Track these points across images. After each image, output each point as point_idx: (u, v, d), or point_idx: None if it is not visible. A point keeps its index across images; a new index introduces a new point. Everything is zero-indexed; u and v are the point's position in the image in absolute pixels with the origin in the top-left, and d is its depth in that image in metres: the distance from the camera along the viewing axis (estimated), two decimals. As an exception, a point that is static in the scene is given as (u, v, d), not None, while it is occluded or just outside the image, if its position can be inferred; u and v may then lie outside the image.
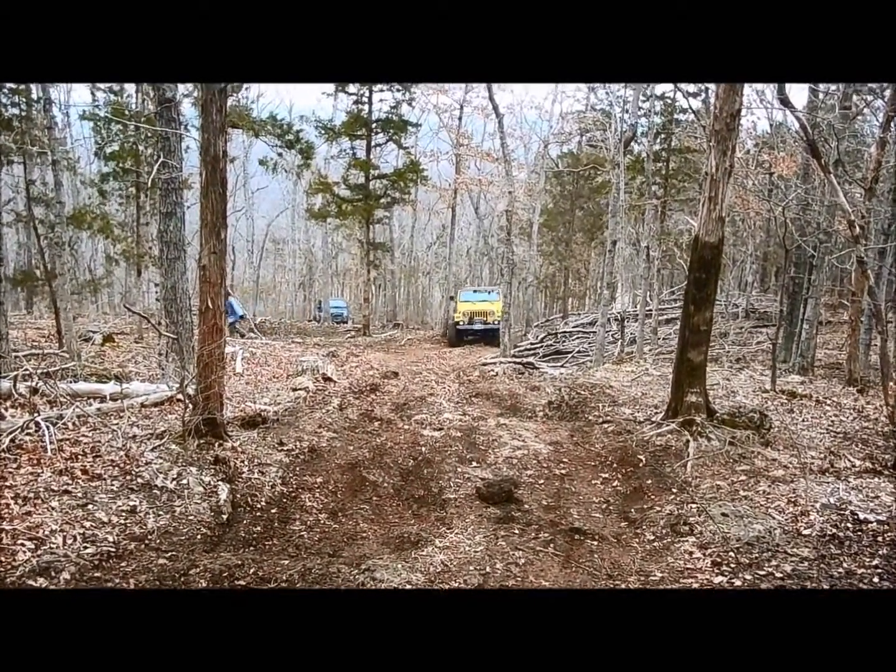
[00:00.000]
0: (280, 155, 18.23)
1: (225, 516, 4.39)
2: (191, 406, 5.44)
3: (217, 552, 3.77)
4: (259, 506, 4.70)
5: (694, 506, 4.45)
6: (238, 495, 4.74)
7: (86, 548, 3.47)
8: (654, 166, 16.57)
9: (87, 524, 3.71)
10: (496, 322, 18.02)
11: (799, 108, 9.20)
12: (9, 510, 3.69)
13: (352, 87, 21.66)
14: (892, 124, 9.99)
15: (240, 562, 3.49)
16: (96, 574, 3.27)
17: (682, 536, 4.05)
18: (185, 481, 4.55)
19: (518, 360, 13.25)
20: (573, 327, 18.73)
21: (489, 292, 21.21)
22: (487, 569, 3.51)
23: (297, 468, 5.50)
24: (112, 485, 4.28)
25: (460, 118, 26.14)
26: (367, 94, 21.42)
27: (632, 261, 21.81)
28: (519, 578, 3.42)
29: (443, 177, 27.95)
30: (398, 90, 21.83)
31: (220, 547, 3.94)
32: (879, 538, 3.68)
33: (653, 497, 4.94)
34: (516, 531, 4.19)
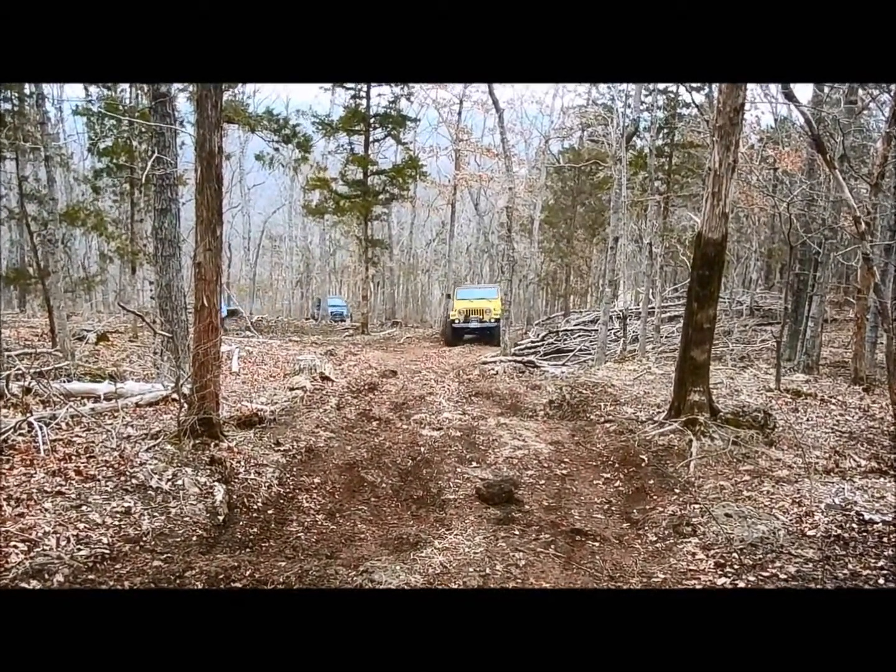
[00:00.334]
0: (276, 150, 18.16)
1: (221, 517, 4.32)
2: (186, 406, 5.38)
3: (213, 554, 3.72)
4: (255, 507, 4.64)
5: (697, 506, 4.40)
6: (234, 496, 4.67)
7: (79, 549, 3.41)
8: (657, 162, 16.50)
9: (81, 526, 3.65)
10: (493, 320, 17.91)
11: (804, 102, 9.15)
12: (1, 512, 3.63)
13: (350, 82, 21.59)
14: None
15: (236, 563, 3.43)
16: (90, 576, 3.21)
17: (685, 537, 3.99)
18: (180, 482, 4.49)
19: (519, 358, 13.19)
20: (574, 325, 18.67)
21: (487, 290, 20.99)
22: (487, 570, 3.45)
23: (295, 468, 5.44)
24: (106, 486, 4.21)
25: (460, 113, 26.11)
26: (365, 89, 21.34)
27: (634, 258, 21.76)
28: (519, 580, 3.36)
29: (442, 173, 27.94)
30: (396, 85, 21.74)
31: (216, 549, 3.88)
32: (885, 539, 3.62)
33: (655, 497, 4.89)
34: (517, 532, 4.13)
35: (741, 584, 3.28)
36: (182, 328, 7.79)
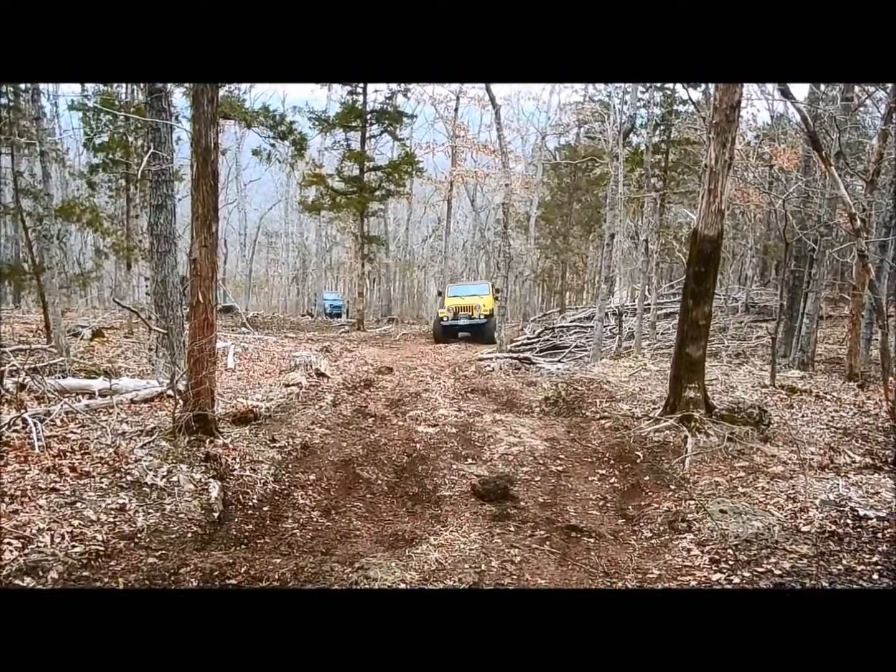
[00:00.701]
0: (273, 146, 18.10)
1: (216, 514, 4.32)
2: (181, 402, 5.36)
3: (208, 551, 3.72)
4: (251, 503, 4.64)
5: (692, 502, 4.41)
6: (229, 493, 4.67)
7: (74, 546, 3.41)
8: (653, 158, 16.47)
9: (76, 522, 3.64)
10: (482, 316, 17.81)
11: (800, 99, 9.15)
12: (-6, 509, 3.61)
13: (346, 79, 21.48)
14: (894, 116, 9.92)
15: (231, 560, 3.42)
16: (85, 573, 3.21)
17: (680, 533, 4.00)
18: (175, 479, 4.48)
19: (515, 355, 13.20)
20: (570, 322, 18.66)
21: (478, 286, 20.69)
22: (483, 567, 3.45)
23: (290, 465, 5.43)
24: (101, 482, 4.20)
25: (456, 109, 26.06)
26: (361, 85, 21.25)
27: (630, 254, 21.72)
28: (515, 576, 3.37)
29: (438, 169, 27.88)
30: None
31: (211, 545, 3.88)
32: (879, 535, 3.62)
33: (650, 494, 4.90)
34: (512, 529, 4.14)
35: (736, 580, 3.28)
36: (177, 324, 7.75)
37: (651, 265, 14.92)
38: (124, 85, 15.72)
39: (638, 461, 5.60)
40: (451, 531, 4.03)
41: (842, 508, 3.94)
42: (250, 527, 4.27)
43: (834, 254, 10.89)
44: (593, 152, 21.54)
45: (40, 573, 3.09)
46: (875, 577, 3.19)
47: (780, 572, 3.30)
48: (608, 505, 4.83)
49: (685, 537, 3.91)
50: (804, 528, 3.77)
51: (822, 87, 11.55)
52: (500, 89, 40.61)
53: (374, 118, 21.91)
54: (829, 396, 7.89)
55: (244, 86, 26.01)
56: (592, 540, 4.00)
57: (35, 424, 4.73)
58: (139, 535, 3.70)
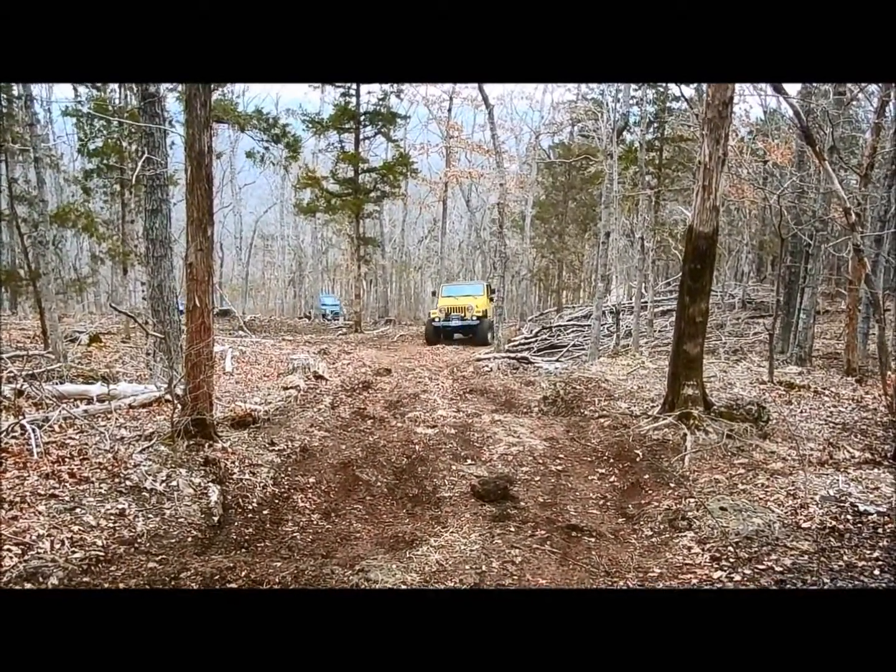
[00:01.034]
0: (267, 149, 18.09)
1: (216, 518, 4.30)
2: (179, 406, 5.35)
3: (208, 555, 3.70)
4: (250, 507, 4.62)
5: (692, 500, 4.41)
6: (229, 497, 4.65)
7: (74, 552, 3.39)
8: (648, 156, 16.51)
9: (75, 528, 3.62)
10: (474, 317, 17.56)
11: (793, 94, 9.17)
12: (-6, 516, 3.60)
13: (339, 80, 21.47)
14: (887, 109, 9.96)
15: (231, 564, 3.41)
16: (85, 579, 3.19)
17: (681, 531, 4.00)
18: (174, 483, 4.46)
19: (512, 355, 13.20)
20: (568, 321, 18.69)
21: (473, 286, 20.37)
22: (483, 567, 3.45)
23: (289, 468, 5.41)
24: (100, 488, 4.19)
25: (450, 109, 26.09)
26: (354, 86, 21.25)
27: (626, 252, 21.74)
28: (515, 577, 3.36)
29: (433, 170, 27.90)
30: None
31: (211, 549, 3.86)
32: (880, 530, 3.62)
33: (650, 492, 4.89)
34: (512, 529, 4.13)
35: (737, 578, 3.28)
36: (174, 329, 7.73)
37: (647, 263, 14.94)
38: (117, 90, 15.71)
39: (637, 459, 5.60)
40: (452, 532, 4.02)
41: (842, 504, 3.94)
42: (250, 530, 4.25)
43: (829, 248, 10.90)
44: (587, 150, 21.55)
45: (40, 579, 3.08)
46: (876, 572, 3.19)
47: (781, 569, 3.30)
48: (608, 504, 4.83)
49: (685, 535, 3.90)
50: (804, 525, 3.77)
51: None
52: (494, 89, 40.56)
53: (368, 120, 21.93)
54: (827, 392, 7.90)
55: (237, 89, 26.06)
56: (593, 539, 4.00)
57: (33, 430, 4.71)
58: (139, 540, 3.68)
